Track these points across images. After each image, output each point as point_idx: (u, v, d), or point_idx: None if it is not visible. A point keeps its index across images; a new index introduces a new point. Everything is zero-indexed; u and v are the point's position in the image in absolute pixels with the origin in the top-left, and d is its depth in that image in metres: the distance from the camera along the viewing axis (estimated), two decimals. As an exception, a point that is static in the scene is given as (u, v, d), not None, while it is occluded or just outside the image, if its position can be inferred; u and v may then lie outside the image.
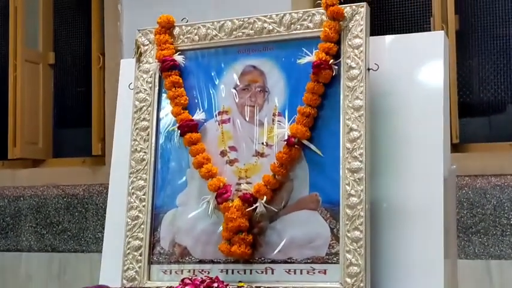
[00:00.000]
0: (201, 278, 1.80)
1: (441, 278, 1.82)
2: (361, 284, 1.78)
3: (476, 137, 4.23)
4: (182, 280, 1.78)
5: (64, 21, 5.37)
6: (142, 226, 2.00)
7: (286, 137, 1.91)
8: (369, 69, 1.88)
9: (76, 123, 5.36)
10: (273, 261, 1.89)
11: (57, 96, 5.34)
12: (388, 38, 2.00)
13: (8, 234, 5.04)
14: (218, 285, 1.73)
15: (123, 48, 4.74)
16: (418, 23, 4.33)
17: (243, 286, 1.76)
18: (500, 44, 4.29)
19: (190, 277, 1.82)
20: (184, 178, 2.02)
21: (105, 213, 4.67)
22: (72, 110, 5.39)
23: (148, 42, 2.13)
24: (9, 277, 4.97)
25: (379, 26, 4.37)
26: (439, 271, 1.83)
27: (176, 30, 2.10)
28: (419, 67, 1.95)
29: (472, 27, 4.31)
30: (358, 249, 1.80)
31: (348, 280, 1.79)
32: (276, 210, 1.90)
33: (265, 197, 1.89)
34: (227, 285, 1.76)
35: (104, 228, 4.72)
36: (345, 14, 1.90)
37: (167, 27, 2.10)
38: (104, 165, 4.80)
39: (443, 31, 2.05)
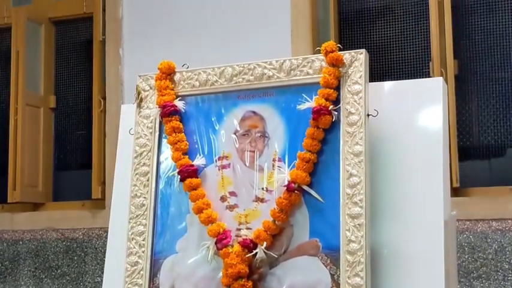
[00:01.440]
0: (201, 325, 1.78)
1: (444, 325, 1.81)
2: (362, 332, 1.76)
3: (476, 181, 4.23)
4: (182, 327, 1.77)
5: (65, 65, 5.41)
6: (141, 272, 1.99)
7: (286, 183, 1.91)
8: (368, 115, 1.89)
9: (76, 167, 5.36)
10: (273, 308, 1.87)
11: (57, 139, 5.35)
12: (387, 84, 2.01)
13: (6, 278, 5.01)
14: (218, 333, 1.71)
15: (124, 92, 4.77)
16: (418, 67, 4.37)
17: (243, 333, 1.74)
18: (499, 88, 4.32)
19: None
20: (184, 223, 2.01)
21: (104, 257, 4.67)
22: (73, 154, 5.40)
23: (149, 88, 2.14)
24: (6, 322, 4.93)
25: (378, 71, 4.41)
26: (440, 318, 1.81)
27: (177, 76, 2.12)
28: (419, 113, 1.96)
29: (470, 72, 4.34)
30: (358, 296, 1.78)
31: (349, 327, 1.77)
32: (276, 256, 1.89)
33: (265, 243, 1.89)
34: (228, 332, 1.74)
35: (103, 273, 4.70)
36: (344, 61, 1.92)
37: (168, 73, 2.12)
38: (103, 209, 4.79)
39: (441, 77, 2.07)
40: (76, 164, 5.38)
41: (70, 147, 5.39)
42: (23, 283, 4.95)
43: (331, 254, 1.85)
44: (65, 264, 4.86)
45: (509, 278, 3.88)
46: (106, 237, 4.68)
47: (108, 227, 4.67)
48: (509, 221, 3.93)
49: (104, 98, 4.93)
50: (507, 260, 3.90)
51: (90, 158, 5.01)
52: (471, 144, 4.32)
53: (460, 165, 4.10)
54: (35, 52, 5.24)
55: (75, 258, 4.84)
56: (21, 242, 5.00)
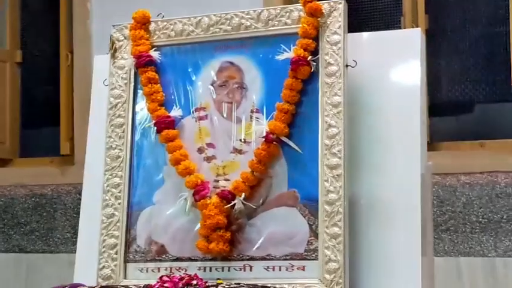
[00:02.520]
0: (180, 275, 1.78)
1: (419, 275, 1.83)
2: (340, 280, 1.77)
3: (445, 137, 4.26)
4: (160, 278, 1.76)
5: (31, 19, 5.30)
6: (118, 224, 1.98)
7: (264, 134, 1.90)
8: (347, 66, 1.88)
9: (44, 123, 5.28)
10: (252, 258, 1.88)
11: (24, 95, 5.26)
12: (365, 35, 2.00)
13: (-26, 235, 4.96)
14: (197, 283, 1.71)
15: (93, 46, 4.68)
16: (389, 21, 4.35)
17: (222, 283, 1.74)
18: (469, 44, 4.33)
19: (168, 275, 1.80)
20: (161, 175, 2.00)
21: (74, 213, 4.66)
22: (40, 109, 5.32)
23: (123, 38, 2.10)
24: (-25, 278, 4.89)
25: (349, 25, 4.38)
26: (416, 267, 1.83)
27: (152, 26, 2.08)
28: (397, 64, 1.95)
29: (441, 27, 4.34)
30: (337, 246, 1.79)
31: (327, 276, 1.79)
32: (254, 207, 1.89)
33: (243, 194, 1.88)
34: (206, 282, 1.74)
35: (72, 228, 4.67)
36: (323, 11, 1.90)
37: (143, 23, 2.07)
38: (72, 165, 4.74)
39: (419, 28, 2.06)
40: (43, 120, 5.30)
41: (37, 103, 5.31)
42: (-9, 239, 4.91)
43: (310, 205, 1.86)
44: (33, 221, 4.82)
45: (476, 231, 3.95)
46: (75, 193, 4.68)
47: (77, 183, 4.62)
48: (477, 175, 3.98)
49: (72, 52, 4.84)
50: (475, 213, 3.96)
51: (57, 114, 4.94)
52: (440, 99, 4.35)
53: (430, 120, 4.12)
54: (0, 5, 5.12)
55: (44, 214, 4.80)
56: (-12, 199, 4.95)
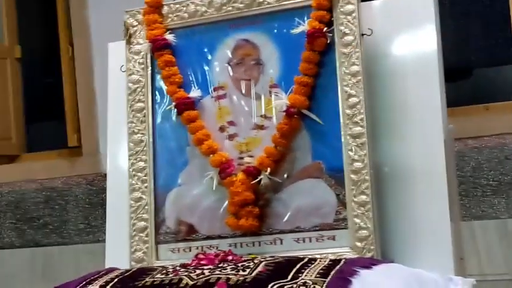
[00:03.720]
0: (215, 252, 1.80)
1: (449, 241, 1.84)
2: (372, 247, 1.80)
3: (448, 102, 4.27)
4: (196, 256, 1.78)
5: (28, 13, 5.28)
6: (146, 207, 2.00)
7: (284, 108, 1.91)
8: (362, 35, 1.89)
9: (48, 116, 5.29)
10: (281, 232, 1.90)
11: (26, 90, 5.26)
12: (378, 3, 2.01)
13: (-13, 232, 4.98)
14: (233, 258, 1.73)
15: (93, 36, 4.68)
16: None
17: (256, 257, 1.76)
18: (468, 8, 4.34)
19: (203, 252, 1.82)
20: (184, 156, 2.01)
21: (85, 204, 4.68)
22: (43, 103, 5.32)
23: (136, 23, 2.11)
24: (-8, 276, 4.92)
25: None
26: (446, 233, 1.84)
27: (165, 9, 2.08)
28: (412, 30, 1.96)
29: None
30: (366, 213, 1.82)
31: (358, 244, 1.81)
32: (280, 181, 1.91)
33: (268, 169, 1.90)
34: (241, 257, 1.76)
35: (85, 219, 4.70)
36: (335, -19, 1.91)
37: (156, 7, 2.08)
38: (81, 156, 4.76)
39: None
40: (47, 113, 5.31)
41: (40, 97, 5.31)
42: (5, 236, 4.93)
43: (335, 175, 1.88)
44: (46, 214, 4.84)
45: (487, 194, 3.97)
46: (86, 184, 4.70)
47: (87, 174, 4.63)
48: (485, 139, 4.00)
49: (72, 45, 4.84)
50: (485, 176, 3.99)
51: (61, 107, 4.94)
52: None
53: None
54: (-5, 2, 5.11)
55: (56, 207, 4.82)
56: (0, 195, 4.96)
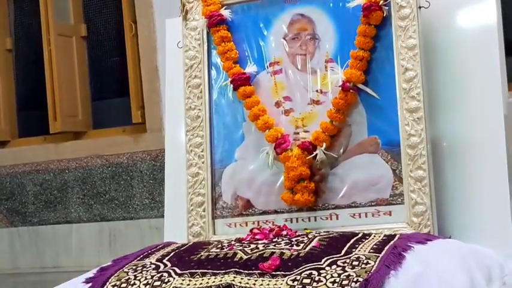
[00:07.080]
0: (269, 227, 1.81)
1: (508, 218, 1.81)
2: (428, 223, 1.78)
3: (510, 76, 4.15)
4: (251, 230, 1.80)
5: (93, -8, 5.37)
6: (203, 182, 2.02)
7: (340, 83, 1.90)
8: (420, 8, 1.86)
9: (113, 93, 5.38)
10: (337, 207, 1.90)
11: (92, 68, 5.36)
12: (435, -25, 1.97)
13: (56, 207, 5.11)
14: (287, 233, 1.74)
15: (155, 13, 4.72)
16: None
17: (310, 232, 1.77)
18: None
19: (258, 227, 1.84)
20: (240, 132, 2.03)
21: (150, 179, 4.76)
22: (108, 81, 5.42)
23: (192, 0, 2.12)
24: (61, 249, 5.05)
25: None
26: (505, 210, 1.81)
27: (220, -15, 2.09)
28: (471, 2, 1.92)
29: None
30: (422, 188, 1.80)
31: (415, 219, 1.79)
32: (336, 156, 1.91)
33: (324, 144, 1.90)
34: (296, 232, 1.77)
35: (150, 194, 4.77)
36: (392, -46, 1.88)
37: (211, -17, 2.09)
38: (145, 132, 4.83)
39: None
40: (112, 90, 5.40)
41: (105, 75, 5.40)
42: (73, 210, 5.06)
43: (391, 150, 1.86)
44: (112, 189, 4.94)
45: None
46: (150, 160, 4.77)
47: (151, 150, 4.69)
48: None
49: (135, 22, 4.89)
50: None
51: (125, 84, 5.01)
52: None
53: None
54: (61, -19, 5.20)
55: (122, 182, 4.91)
56: (67, 171, 5.08)
